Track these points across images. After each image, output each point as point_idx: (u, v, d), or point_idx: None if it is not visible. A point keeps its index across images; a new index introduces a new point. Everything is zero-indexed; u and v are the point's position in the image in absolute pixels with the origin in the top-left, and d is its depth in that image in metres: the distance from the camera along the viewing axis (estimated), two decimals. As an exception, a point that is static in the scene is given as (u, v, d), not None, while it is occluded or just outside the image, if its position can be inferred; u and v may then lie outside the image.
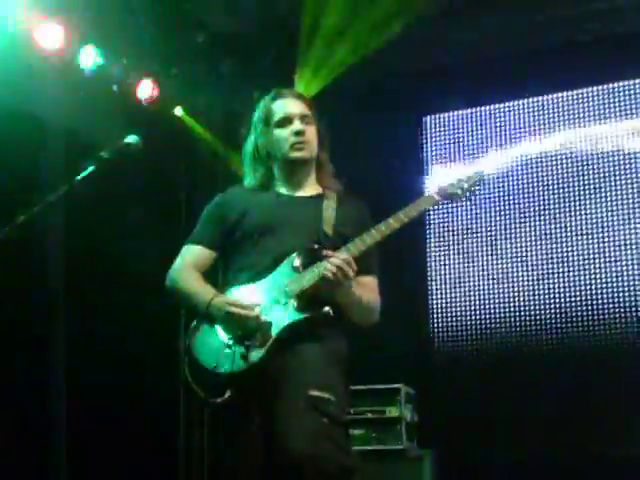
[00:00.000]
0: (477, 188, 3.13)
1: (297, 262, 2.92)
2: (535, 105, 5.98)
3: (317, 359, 2.84)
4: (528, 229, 5.84)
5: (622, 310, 5.49)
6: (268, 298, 2.90)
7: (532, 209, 5.86)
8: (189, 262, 3.09)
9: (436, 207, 5.88)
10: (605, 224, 5.64)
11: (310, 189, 3.14)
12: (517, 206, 5.90)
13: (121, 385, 5.60)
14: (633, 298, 5.47)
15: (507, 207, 5.93)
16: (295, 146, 3.07)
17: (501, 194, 5.96)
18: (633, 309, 5.46)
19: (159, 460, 5.67)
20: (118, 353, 5.55)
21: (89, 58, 5.20)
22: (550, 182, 5.84)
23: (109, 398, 5.38)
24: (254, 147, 3.15)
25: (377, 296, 3.06)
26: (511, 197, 5.94)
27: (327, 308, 2.86)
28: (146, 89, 5.60)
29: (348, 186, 3.19)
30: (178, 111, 5.99)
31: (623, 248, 5.57)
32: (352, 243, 2.90)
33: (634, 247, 5.55)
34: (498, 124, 6.05)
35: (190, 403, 5.67)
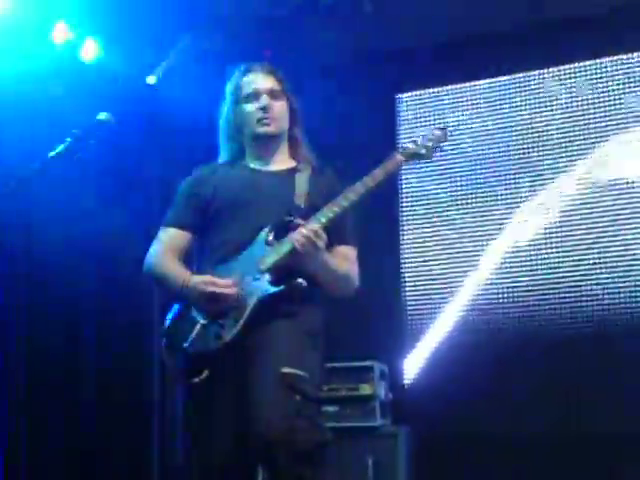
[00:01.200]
0: (442, 146, 3.12)
1: (269, 236, 2.93)
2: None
3: (290, 335, 2.84)
4: (507, 198, 5.74)
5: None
6: (242, 274, 2.90)
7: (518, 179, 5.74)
8: (165, 246, 3.07)
9: (413, 179, 5.89)
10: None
11: (282, 163, 3.14)
12: (496, 174, 5.78)
13: (95, 372, 5.62)
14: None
15: (485, 174, 5.80)
16: (261, 121, 3.06)
17: (481, 162, 5.82)
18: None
19: (133, 443, 5.67)
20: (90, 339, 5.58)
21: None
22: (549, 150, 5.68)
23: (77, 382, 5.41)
24: (225, 122, 3.16)
25: (354, 266, 3.06)
26: (494, 164, 5.79)
27: (300, 280, 2.87)
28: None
29: (323, 160, 3.19)
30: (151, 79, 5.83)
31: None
32: (321, 212, 2.90)
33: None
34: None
35: (165, 386, 5.65)
